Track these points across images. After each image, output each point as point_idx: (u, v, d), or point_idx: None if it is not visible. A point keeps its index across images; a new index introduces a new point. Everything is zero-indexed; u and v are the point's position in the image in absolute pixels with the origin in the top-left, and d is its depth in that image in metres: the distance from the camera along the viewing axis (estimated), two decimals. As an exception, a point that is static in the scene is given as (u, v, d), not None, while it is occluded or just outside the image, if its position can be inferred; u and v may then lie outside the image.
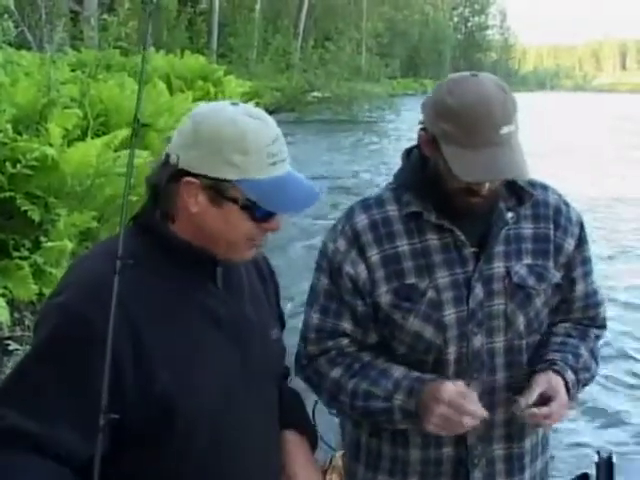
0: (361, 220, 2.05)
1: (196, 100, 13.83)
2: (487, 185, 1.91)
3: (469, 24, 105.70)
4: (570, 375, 2.03)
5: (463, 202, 1.94)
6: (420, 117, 1.99)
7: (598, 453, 2.42)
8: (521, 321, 2.04)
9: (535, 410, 1.94)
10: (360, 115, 37.19)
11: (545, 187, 2.16)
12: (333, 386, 2.05)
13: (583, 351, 2.13)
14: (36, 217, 6.58)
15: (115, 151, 7.75)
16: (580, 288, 2.17)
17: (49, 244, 6.52)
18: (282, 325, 2.03)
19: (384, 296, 2.00)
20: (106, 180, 7.33)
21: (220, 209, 1.65)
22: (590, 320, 2.22)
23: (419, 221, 2.01)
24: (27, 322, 6.26)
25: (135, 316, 1.60)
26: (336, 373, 2.04)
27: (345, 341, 2.06)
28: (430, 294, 1.99)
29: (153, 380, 1.59)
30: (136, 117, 1.70)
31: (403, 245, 2.01)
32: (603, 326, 2.26)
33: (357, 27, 53.54)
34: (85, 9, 27.19)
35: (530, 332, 2.06)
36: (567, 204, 2.16)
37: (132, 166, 1.72)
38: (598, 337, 2.22)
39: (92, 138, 7.73)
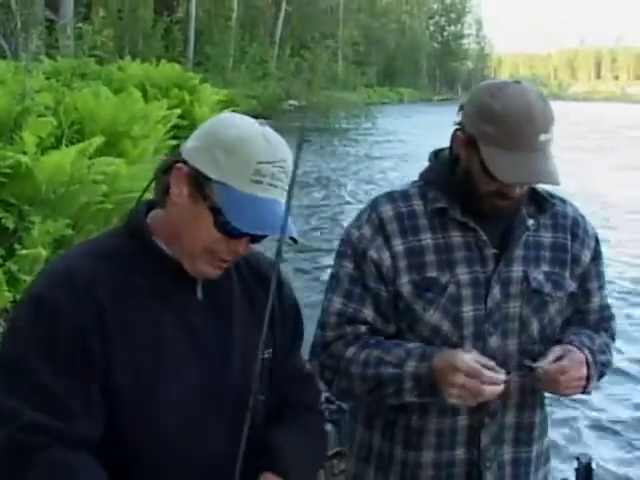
0: (387, 210, 2.08)
1: (171, 108, 13.85)
2: (518, 189, 1.96)
3: (445, 33, 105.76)
4: (587, 352, 2.05)
5: (491, 204, 1.99)
6: (455, 119, 2.05)
7: (577, 459, 2.46)
8: (535, 326, 2.08)
9: (548, 366, 1.97)
10: (336, 123, 37.23)
11: (563, 200, 2.21)
12: (347, 363, 2.05)
13: (597, 338, 2.17)
14: (10, 225, 6.60)
15: (90, 159, 7.78)
16: (596, 301, 2.22)
17: (23, 252, 6.53)
18: (298, 341, 1.94)
19: (405, 286, 2.03)
20: (80, 188, 7.34)
21: (195, 206, 1.62)
22: (603, 331, 2.25)
23: (443, 218, 2.06)
24: (1, 329, 6.26)
25: (104, 308, 1.59)
26: (350, 352, 2.05)
27: (363, 328, 2.07)
28: (451, 289, 2.03)
29: (116, 376, 1.59)
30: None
31: (427, 239, 2.05)
32: (613, 339, 2.29)
33: (334, 36, 53.65)
34: (61, 17, 27.08)
35: (543, 338, 2.09)
36: (583, 217, 2.22)
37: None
38: (608, 344, 2.24)
39: (66, 146, 7.74)
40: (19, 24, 17.44)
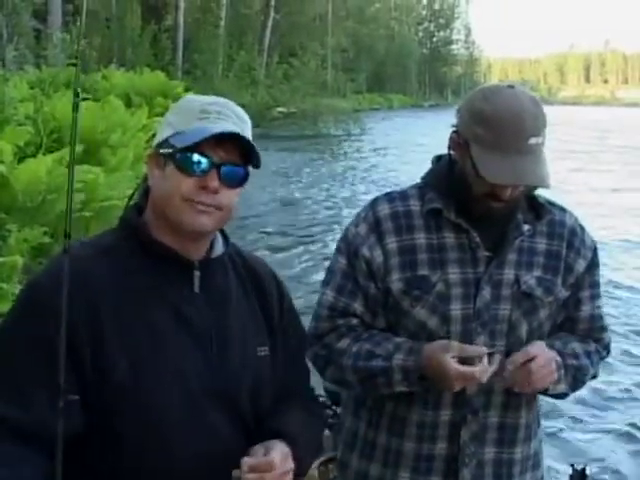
0: (383, 209, 2.14)
1: (154, 116, 13.88)
2: (509, 191, 1.99)
3: (434, 39, 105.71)
4: (555, 354, 2.08)
5: (483, 206, 2.03)
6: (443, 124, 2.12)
7: (572, 466, 2.47)
8: (524, 329, 2.11)
9: (514, 359, 2.01)
10: (324, 130, 37.28)
11: (563, 209, 2.24)
12: (339, 354, 2.12)
13: (574, 344, 2.19)
14: (-14, 233, 6.62)
15: (67, 167, 7.78)
16: (586, 309, 2.23)
17: (0, 260, 6.55)
18: (299, 338, 1.97)
19: (396, 283, 2.09)
20: (58, 196, 7.37)
21: (162, 172, 1.68)
22: (594, 342, 2.25)
23: (438, 219, 2.11)
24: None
25: (97, 300, 1.61)
26: (343, 343, 2.12)
27: (355, 321, 2.14)
28: (439, 287, 2.07)
29: (111, 367, 1.60)
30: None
31: (420, 238, 2.10)
32: (607, 349, 2.30)
33: (322, 43, 53.71)
34: (48, 27, 27.10)
35: (530, 342, 2.09)
36: (582, 228, 2.24)
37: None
38: (599, 351, 2.26)
39: (44, 154, 7.78)
40: (5, 35, 17.49)
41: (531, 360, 2.00)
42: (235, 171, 1.70)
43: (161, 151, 1.70)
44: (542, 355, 2.03)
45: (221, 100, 1.74)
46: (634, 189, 19.81)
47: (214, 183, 1.66)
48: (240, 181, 1.72)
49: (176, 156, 1.66)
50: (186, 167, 1.66)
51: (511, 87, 2.03)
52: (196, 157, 1.66)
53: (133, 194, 1.82)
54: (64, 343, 1.53)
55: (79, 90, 1.49)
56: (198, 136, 1.65)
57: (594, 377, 2.28)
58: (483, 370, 1.94)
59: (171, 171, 1.67)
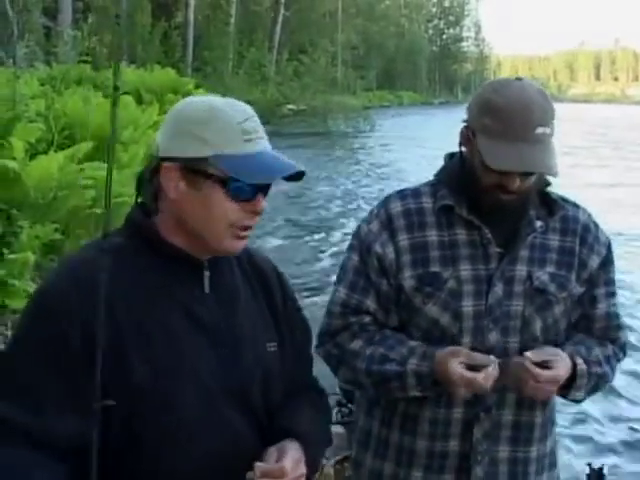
0: (396, 207, 2.15)
1: (165, 113, 13.88)
2: (517, 181, 1.99)
3: (444, 36, 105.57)
4: (580, 361, 2.07)
5: (493, 198, 2.03)
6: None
7: (589, 465, 2.46)
8: (538, 325, 2.09)
9: (531, 367, 1.98)
10: (334, 127, 37.27)
11: (577, 205, 2.23)
12: (352, 356, 2.12)
13: (597, 350, 2.17)
14: (-2, 229, 6.64)
15: (79, 164, 7.82)
16: (602, 307, 2.21)
17: (12, 256, 6.56)
18: (304, 332, 1.96)
19: (408, 280, 2.09)
20: (69, 192, 7.39)
21: (200, 192, 1.63)
22: (611, 342, 2.23)
23: (450, 216, 2.11)
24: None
25: (114, 301, 1.58)
26: (356, 344, 2.12)
27: (367, 319, 2.14)
28: (451, 284, 2.07)
29: (129, 368, 1.59)
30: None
31: (432, 235, 2.11)
32: (623, 351, 2.27)
33: (332, 40, 53.71)
34: (59, 24, 27.19)
35: (547, 339, 2.10)
36: (596, 225, 2.23)
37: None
38: (616, 354, 2.24)
39: (55, 151, 7.79)
40: (16, 32, 17.54)
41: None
42: (269, 187, 1.72)
43: (202, 174, 1.63)
44: (550, 381, 2.00)
45: (247, 110, 1.68)
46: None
47: (262, 205, 1.67)
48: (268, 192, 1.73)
49: (230, 184, 1.62)
50: (239, 195, 1.64)
51: (519, 79, 2.05)
52: (250, 187, 1.64)
53: (138, 194, 1.78)
54: (100, 349, 1.49)
55: (118, 84, 1.45)
56: (266, 174, 1.64)
57: (609, 382, 2.26)
58: (486, 376, 1.93)
59: (212, 194, 1.64)
